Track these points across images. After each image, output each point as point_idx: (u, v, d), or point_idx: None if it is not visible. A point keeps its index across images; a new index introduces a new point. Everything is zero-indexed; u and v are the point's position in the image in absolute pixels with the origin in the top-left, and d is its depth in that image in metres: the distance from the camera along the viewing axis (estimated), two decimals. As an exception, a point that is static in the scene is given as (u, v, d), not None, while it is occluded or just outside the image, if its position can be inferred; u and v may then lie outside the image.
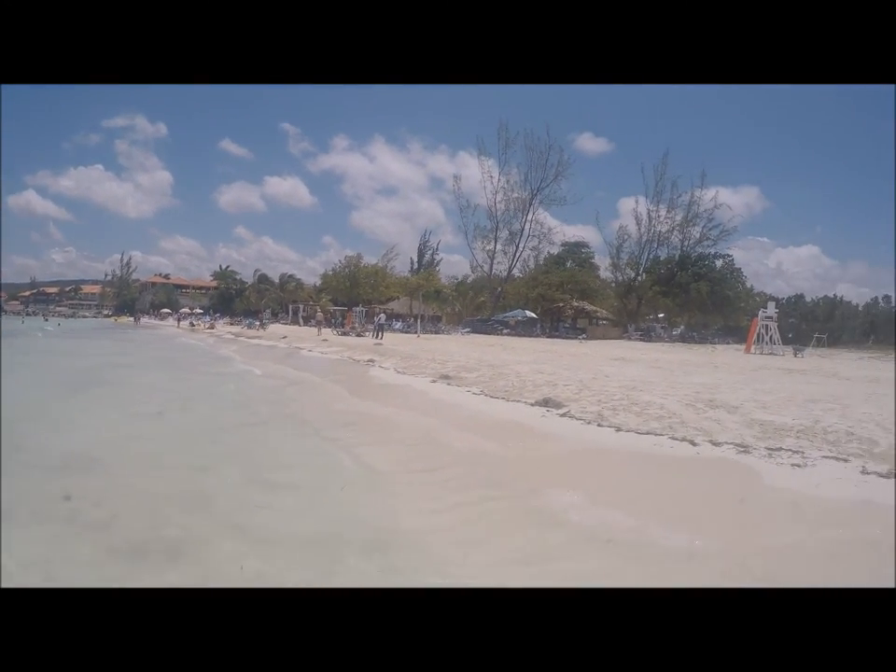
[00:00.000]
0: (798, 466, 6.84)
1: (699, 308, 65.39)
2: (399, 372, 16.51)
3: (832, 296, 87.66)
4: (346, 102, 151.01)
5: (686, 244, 68.48)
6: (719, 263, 67.37)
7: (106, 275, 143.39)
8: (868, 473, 6.55)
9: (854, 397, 13.65)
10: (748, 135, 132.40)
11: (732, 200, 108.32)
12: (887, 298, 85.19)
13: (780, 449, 7.54)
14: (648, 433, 8.35)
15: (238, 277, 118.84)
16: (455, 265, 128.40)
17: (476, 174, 74.61)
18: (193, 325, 70.43)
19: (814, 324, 70.41)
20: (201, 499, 6.24)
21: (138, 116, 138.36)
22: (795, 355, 37.81)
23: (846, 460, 7.10)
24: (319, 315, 56.07)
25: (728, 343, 56.05)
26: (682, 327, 68.76)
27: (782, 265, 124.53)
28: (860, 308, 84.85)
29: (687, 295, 62.75)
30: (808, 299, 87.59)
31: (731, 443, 7.76)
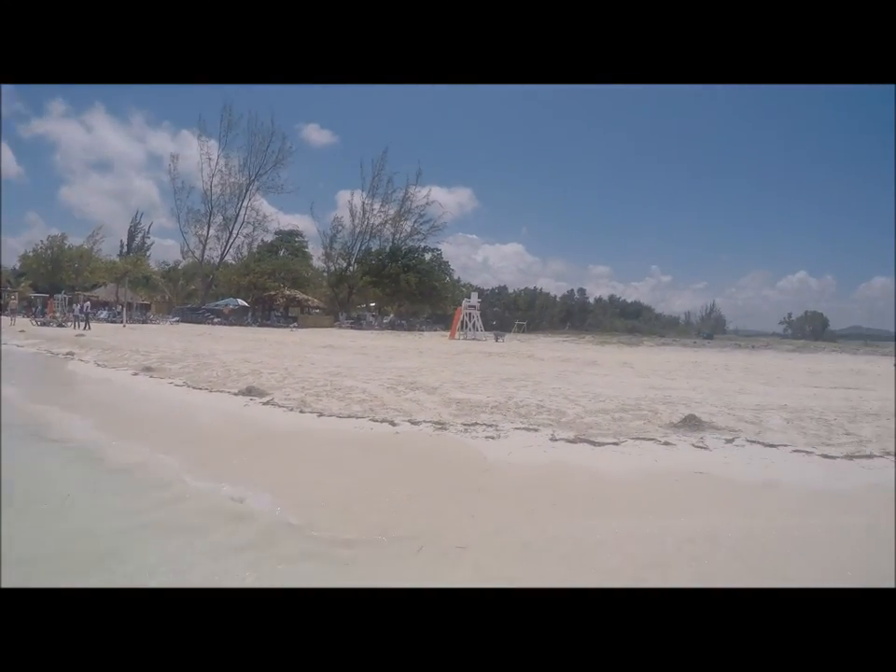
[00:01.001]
0: (492, 438, 7.31)
1: (408, 298, 67.92)
2: (99, 365, 15.17)
3: (532, 288, 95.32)
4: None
5: (398, 237, 70.80)
6: (428, 256, 70.31)
7: None
8: (557, 440, 7.23)
9: (546, 374, 15.12)
10: (465, 139, 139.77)
11: (446, 199, 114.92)
12: (581, 290, 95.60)
13: (476, 424, 8.00)
14: (350, 416, 8.37)
15: None
16: (169, 250, 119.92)
17: (196, 155, 70.36)
18: None
19: (516, 312, 77.18)
20: None
21: None
22: (496, 340, 40.68)
23: (536, 430, 7.74)
24: (13, 302, 49.42)
25: (436, 331, 59.17)
26: (392, 315, 70.91)
27: (489, 260, 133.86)
28: (557, 299, 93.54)
29: (397, 285, 64.81)
30: (511, 290, 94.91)
31: (429, 421, 8.09)
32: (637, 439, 7.33)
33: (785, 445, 7.29)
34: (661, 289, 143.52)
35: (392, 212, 70.28)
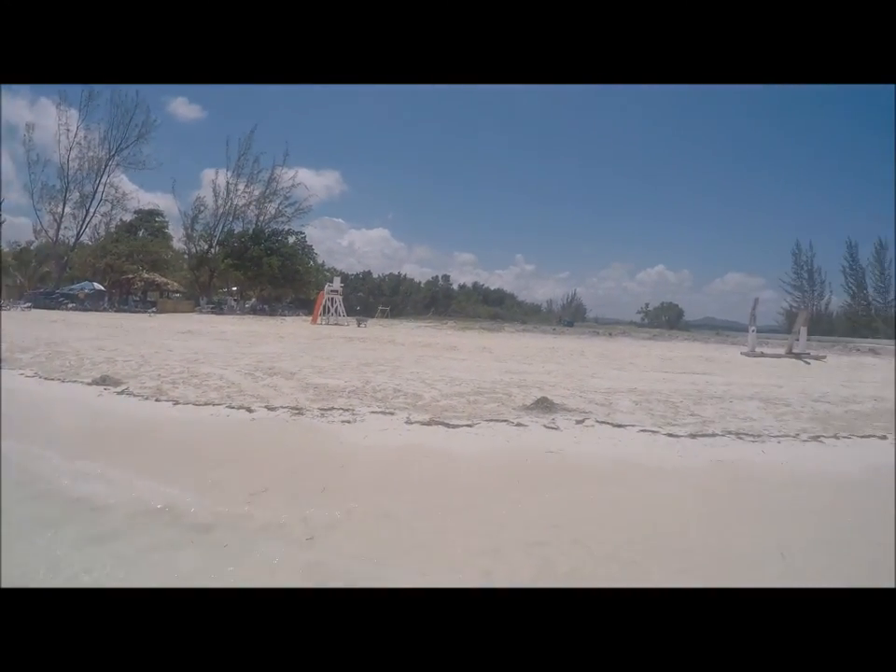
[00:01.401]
0: (348, 422, 7.28)
1: (271, 282, 66.19)
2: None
3: (396, 273, 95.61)
4: None
5: (262, 219, 68.41)
6: (291, 239, 68.59)
7: None
8: (412, 423, 7.28)
9: (405, 359, 15.27)
10: (336, 122, 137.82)
11: (314, 181, 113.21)
12: (445, 277, 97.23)
13: (332, 409, 7.96)
14: (206, 404, 8.10)
15: None
16: (21, 229, 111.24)
17: (55, 125, 65.18)
18: None
19: (380, 298, 77.02)
20: None
21: None
22: (359, 325, 40.42)
23: (392, 413, 7.78)
24: None
25: (299, 315, 58.00)
26: (254, 300, 69.18)
27: (355, 244, 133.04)
28: (422, 285, 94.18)
29: (259, 269, 62.96)
30: (376, 275, 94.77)
31: (286, 407, 7.99)
32: (491, 420, 7.49)
33: (633, 426, 7.63)
34: (525, 278, 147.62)
35: (257, 193, 67.97)
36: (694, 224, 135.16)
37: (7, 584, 3.35)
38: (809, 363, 22.93)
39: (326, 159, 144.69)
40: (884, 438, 7.86)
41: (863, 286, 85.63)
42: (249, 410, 7.80)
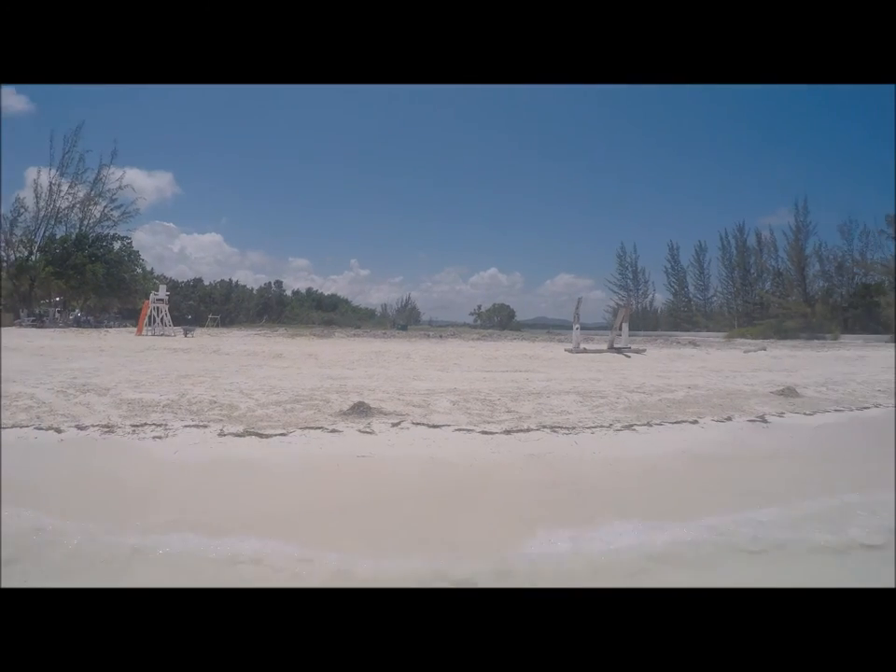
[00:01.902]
0: (160, 437, 7.12)
1: (95, 291, 62.34)
2: None
3: (228, 280, 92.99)
4: None
5: (86, 223, 63.97)
6: (117, 245, 64.78)
7: None
8: (225, 435, 7.23)
9: (227, 369, 15.01)
10: (169, 119, 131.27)
11: (145, 182, 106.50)
12: (278, 283, 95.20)
13: (145, 424, 7.75)
14: (14, 426, 7.60)
15: None
16: None
17: None
18: None
19: (212, 306, 74.54)
20: None
21: None
22: (186, 335, 39.14)
23: (206, 426, 7.68)
24: None
25: (125, 327, 55.06)
26: (78, 311, 65.21)
27: (186, 250, 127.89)
28: (254, 292, 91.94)
29: (83, 277, 58.99)
30: (207, 282, 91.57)
31: (97, 425, 7.67)
32: (306, 428, 7.57)
33: (448, 425, 7.91)
34: (359, 283, 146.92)
35: (82, 194, 63.46)
36: (526, 227, 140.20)
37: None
38: (630, 356, 24.49)
39: (159, 159, 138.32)
40: (695, 422, 8.63)
41: (684, 284, 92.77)
42: (58, 430, 7.42)
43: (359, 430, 7.50)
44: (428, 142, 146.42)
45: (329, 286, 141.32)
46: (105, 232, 63.14)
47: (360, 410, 8.54)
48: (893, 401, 11.71)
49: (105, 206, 62.88)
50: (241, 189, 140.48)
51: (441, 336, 45.19)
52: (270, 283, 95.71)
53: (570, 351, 26.72)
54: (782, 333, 57.33)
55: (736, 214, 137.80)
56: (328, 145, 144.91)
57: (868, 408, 10.89)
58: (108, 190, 62.43)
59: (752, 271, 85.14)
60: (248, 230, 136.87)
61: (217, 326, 60.80)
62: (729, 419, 9.07)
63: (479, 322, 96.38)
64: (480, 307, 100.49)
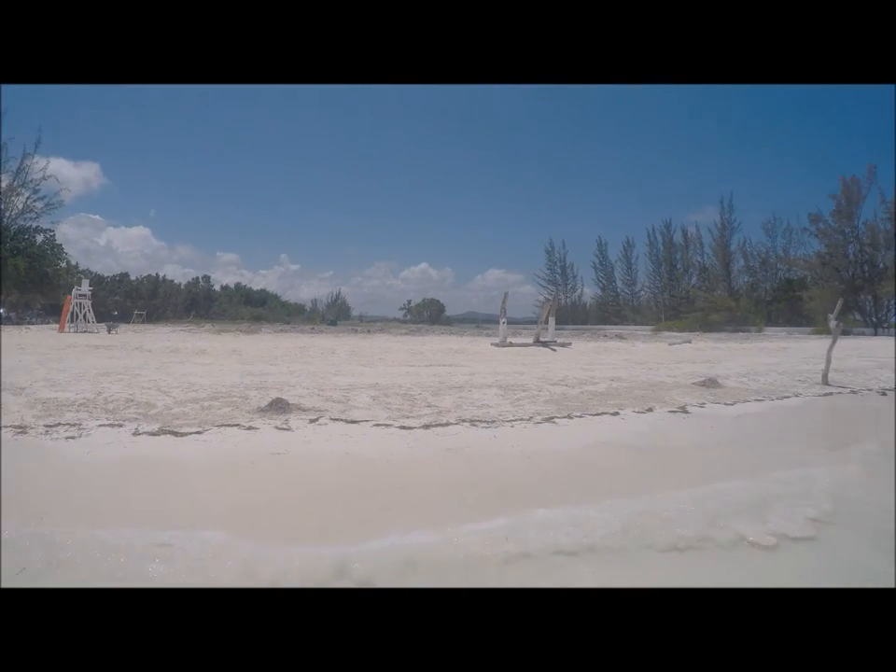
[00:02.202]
0: (73, 437, 7.05)
1: (17, 286, 60.19)
2: None
3: (154, 275, 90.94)
4: None
5: (8, 215, 61.60)
6: (40, 238, 62.43)
7: None
8: (140, 434, 7.20)
9: (148, 367, 14.83)
10: (98, 104, 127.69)
11: (72, 173, 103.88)
12: (206, 278, 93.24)
13: (59, 424, 7.66)
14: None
15: None
16: None
17: None
18: None
19: (139, 301, 72.87)
20: None
21: None
22: (109, 331, 38.22)
23: (121, 425, 7.63)
24: None
25: (48, 323, 53.38)
26: (2, 309, 62.83)
27: (113, 244, 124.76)
28: (182, 287, 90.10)
29: (4, 272, 57.00)
30: (134, 277, 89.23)
31: (9, 426, 7.53)
32: (223, 425, 7.60)
33: (367, 421, 8.05)
34: (289, 277, 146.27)
35: (3, 185, 61.17)
36: (456, 223, 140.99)
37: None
38: (555, 350, 24.96)
39: (85, 149, 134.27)
40: (616, 414, 8.96)
41: (613, 279, 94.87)
42: (-36, 435, 7.28)
43: (276, 427, 7.57)
44: (357, 137, 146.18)
45: (258, 280, 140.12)
46: (28, 225, 60.74)
47: (278, 406, 8.61)
48: (818, 390, 12.52)
49: (28, 197, 60.28)
50: (170, 182, 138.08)
51: (368, 331, 45.10)
52: (198, 278, 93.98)
53: (497, 345, 27.12)
54: (708, 326, 59.44)
55: (664, 211, 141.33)
56: (259, 140, 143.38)
57: (788, 397, 11.51)
58: (31, 181, 59.87)
59: (679, 266, 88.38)
60: (177, 223, 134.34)
61: (143, 322, 59.49)
62: (650, 410, 9.44)
63: (409, 317, 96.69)
64: (410, 302, 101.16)
